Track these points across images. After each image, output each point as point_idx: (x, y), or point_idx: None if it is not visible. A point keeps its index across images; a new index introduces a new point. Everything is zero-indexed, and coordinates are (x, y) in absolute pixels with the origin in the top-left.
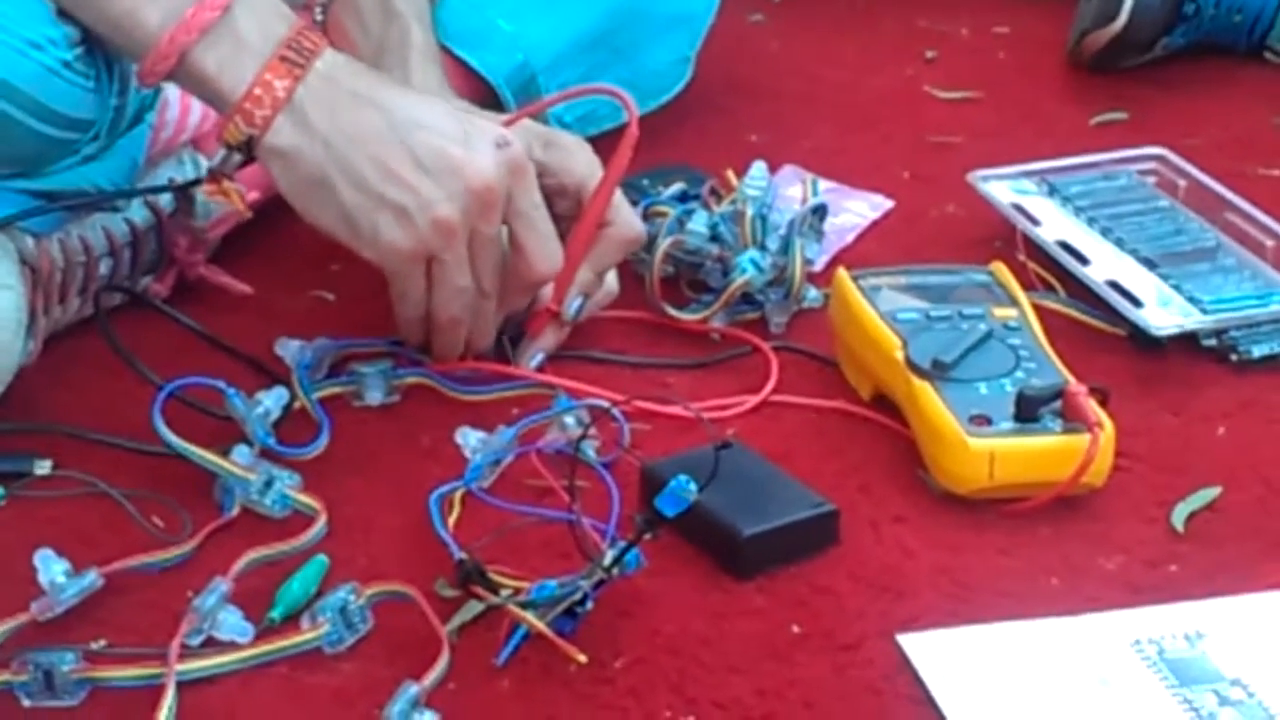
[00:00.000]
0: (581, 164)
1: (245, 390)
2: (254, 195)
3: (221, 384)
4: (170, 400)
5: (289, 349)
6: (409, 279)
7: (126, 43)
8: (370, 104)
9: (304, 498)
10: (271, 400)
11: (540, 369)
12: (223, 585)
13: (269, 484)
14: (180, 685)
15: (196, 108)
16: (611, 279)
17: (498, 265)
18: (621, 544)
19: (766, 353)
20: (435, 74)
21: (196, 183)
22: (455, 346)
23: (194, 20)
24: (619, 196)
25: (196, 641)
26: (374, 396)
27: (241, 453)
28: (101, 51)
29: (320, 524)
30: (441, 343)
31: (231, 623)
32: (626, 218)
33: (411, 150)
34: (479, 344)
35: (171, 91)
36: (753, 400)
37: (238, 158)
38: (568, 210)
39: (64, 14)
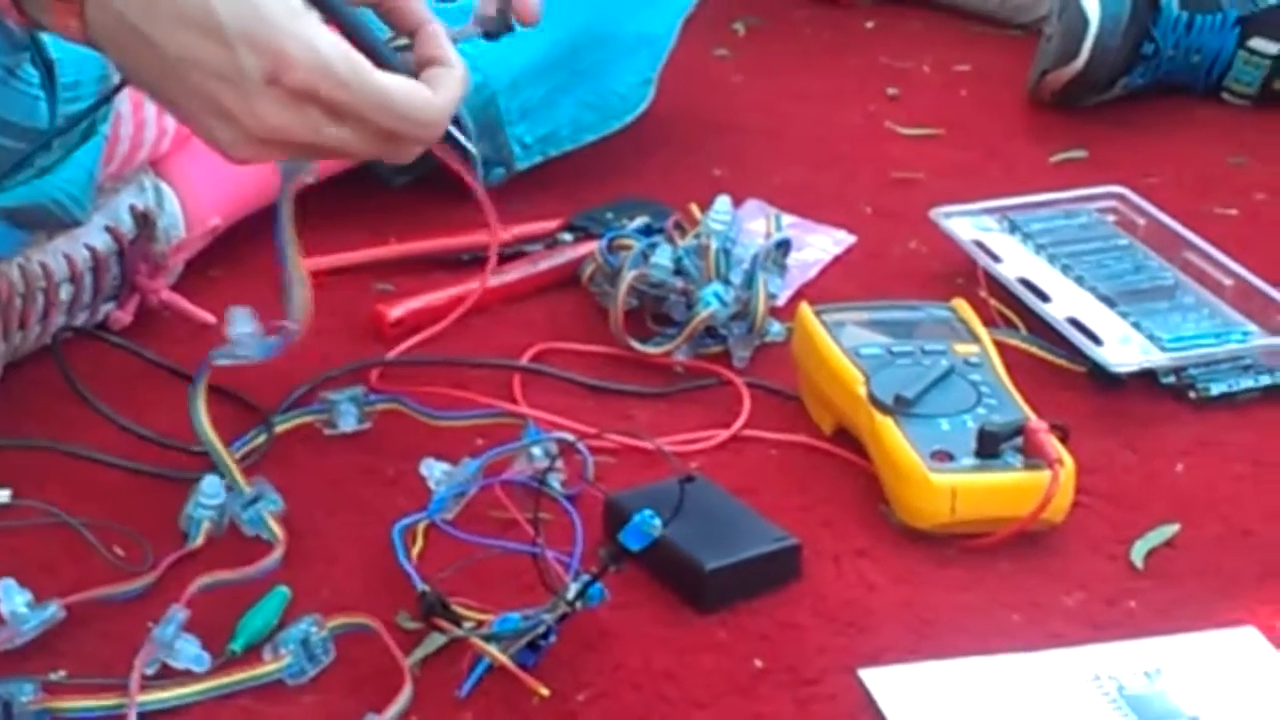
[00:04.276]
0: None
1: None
2: (216, 221)
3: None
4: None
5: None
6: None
7: None
8: (145, 41)
9: (275, 525)
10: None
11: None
12: (180, 614)
13: (255, 501)
14: (141, 717)
15: (152, 123)
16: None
17: (376, 141)
18: (585, 577)
19: (739, 386)
20: None
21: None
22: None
23: None
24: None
25: (152, 671)
26: (347, 423)
27: (211, 483)
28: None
29: (276, 554)
30: None
31: (188, 652)
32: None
33: (189, 96)
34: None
35: (125, 106)
36: (722, 435)
37: None
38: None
39: None
